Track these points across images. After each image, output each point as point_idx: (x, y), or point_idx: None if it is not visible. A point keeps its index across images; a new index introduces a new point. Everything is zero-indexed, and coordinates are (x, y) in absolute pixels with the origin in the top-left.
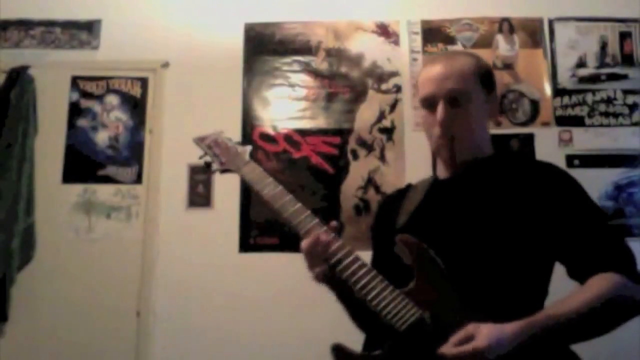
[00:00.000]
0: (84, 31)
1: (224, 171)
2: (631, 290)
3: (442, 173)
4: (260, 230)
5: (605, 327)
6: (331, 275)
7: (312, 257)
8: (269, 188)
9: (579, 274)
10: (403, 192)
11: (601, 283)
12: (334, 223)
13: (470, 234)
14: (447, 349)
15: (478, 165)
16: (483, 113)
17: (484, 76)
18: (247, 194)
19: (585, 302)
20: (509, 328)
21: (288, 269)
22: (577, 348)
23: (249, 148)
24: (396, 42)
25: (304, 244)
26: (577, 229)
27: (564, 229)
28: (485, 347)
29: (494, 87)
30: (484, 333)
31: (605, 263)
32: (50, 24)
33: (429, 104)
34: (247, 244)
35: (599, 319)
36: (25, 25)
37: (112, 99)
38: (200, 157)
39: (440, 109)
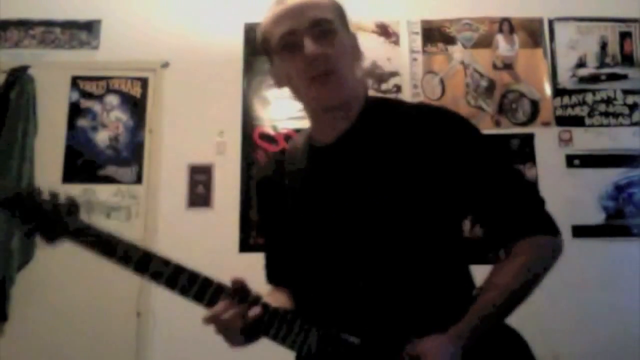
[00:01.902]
0: (84, 31)
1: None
2: (551, 248)
3: (323, 133)
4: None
5: (531, 292)
6: (248, 336)
7: (223, 332)
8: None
9: (500, 236)
10: (280, 165)
11: (524, 256)
12: (236, 280)
13: (373, 207)
14: None
15: (362, 121)
16: (351, 50)
17: (341, 12)
18: (247, 194)
19: (510, 281)
20: (449, 338)
21: None
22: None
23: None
24: (396, 42)
25: (208, 316)
26: (489, 184)
27: (476, 185)
28: None
29: (348, 26)
30: (431, 352)
31: (525, 227)
32: (50, 24)
33: (287, 45)
34: (247, 244)
35: (527, 291)
36: (25, 25)
37: (112, 99)
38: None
39: (307, 42)
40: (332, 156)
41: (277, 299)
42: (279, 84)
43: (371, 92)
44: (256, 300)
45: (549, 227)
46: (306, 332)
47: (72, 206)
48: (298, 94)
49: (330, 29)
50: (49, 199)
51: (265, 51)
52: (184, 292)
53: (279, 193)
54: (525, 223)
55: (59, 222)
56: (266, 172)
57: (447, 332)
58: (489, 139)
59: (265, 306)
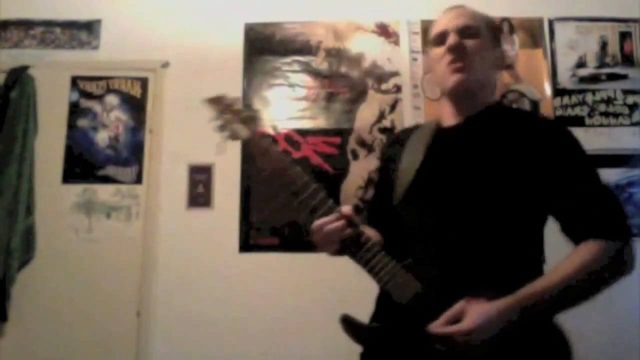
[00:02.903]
0: (84, 31)
1: (234, 138)
2: (617, 256)
3: (449, 118)
4: (260, 230)
5: (590, 295)
6: (340, 250)
7: (322, 238)
8: (282, 158)
9: (572, 233)
10: (409, 134)
11: (587, 253)
12: (346, 209)
13: (471, 188)
14: (435, 327)
15: (481, 115)
16: (490, 56)
17: (493, 28)
18: (247, 194)
19: (569, 275)
20: (497, 307)
21: (288, 269)
22: (577, 346)
23: (257, 114)
24: (396, 42)
25: (317, 224)
26: (573, 187)
27: (560, 186)
28: (472, 328)
29: (501, 44)
30: (472, 314)
31: (597, 227)
32: (50, 24)
33: (440, 40)
34: (247, 244)
35: (583, 290)
36: (25, 25)
37: (112, 99)
38: (211, 121)
39: (451, 37)
40: (450, 137)
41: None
42: (428, 70)
43: (371, 92)
44: (357, 225)
45: (618, 233)
46: (386, 262)
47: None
48: (437, 79)
49: (474, 33)
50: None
51: (429, 43)
52: (302, 204)
53: (397, 159)
54: (595, 225)
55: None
56: (398, 135)
57: (497, 302)
58: (583, 151)
59: (361, 233)
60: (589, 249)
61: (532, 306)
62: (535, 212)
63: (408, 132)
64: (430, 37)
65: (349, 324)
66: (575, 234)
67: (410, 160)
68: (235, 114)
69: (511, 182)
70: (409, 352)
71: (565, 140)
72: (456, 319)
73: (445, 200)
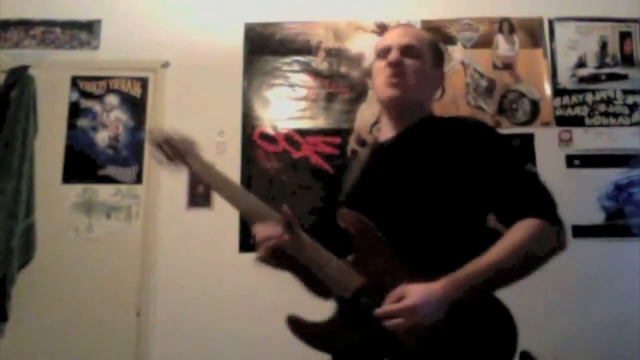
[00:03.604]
0: (84, 31)
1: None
2: (547, 232)
3: (386, 132)
4: None
5: (525, 271)
6: (277, 257)
7: (263, 246)
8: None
9: (506, 220)
10: (355, 159)
11: (519, 231)
12: (284, 208)
13: (409, 197)
14: (381, 309)
15: (415, 128)
16: (430, 76)
17: (435, 50)
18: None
19: (505, 252)
20: (437, 285)
21: None
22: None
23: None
24: None
25: (259, 232)
26: (502, 180)
27: (492, 183)
28: (415, 304)
29: (442, 65)
30: (413, 291)
31: (525, 208)
32: (50, 24)
33: (383, 54)
34: (247, 244)
35: (518, 265)
36: (25, 25)
37: (112, 99)
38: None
39: (393, 53)
40: (384, 151)
41: None
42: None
43: (371, 92)
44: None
45: (547, 213)
46: (329, 257)
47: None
48: (375, 90)
49: (416, 54)
50: None
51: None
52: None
53: (343, 182)
54: (525, 206)
55: None
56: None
57: (436, 281)
58: (510, 148)
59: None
60: (523, 226)
61: (472, 281)
62: (471, 211)
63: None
64: (376, 50)
65: (296, 324)
66: (510, 219)
67: (349, 179)
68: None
69: (444, 189)
70: (364, 343)
71: (490, 139)
72: (399, 299)
73: (382, 210)
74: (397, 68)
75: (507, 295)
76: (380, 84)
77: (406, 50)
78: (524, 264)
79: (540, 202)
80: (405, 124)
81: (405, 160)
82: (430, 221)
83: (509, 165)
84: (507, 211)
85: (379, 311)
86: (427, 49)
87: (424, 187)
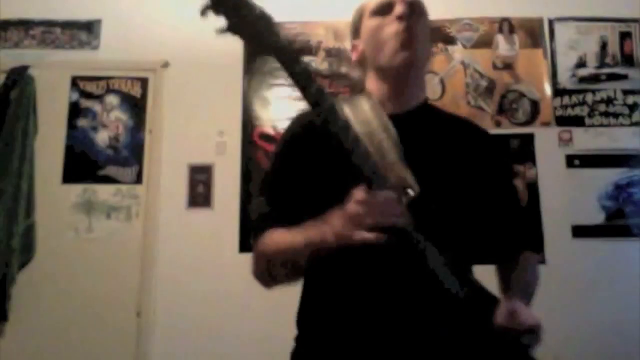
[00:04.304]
0: (84, 31)
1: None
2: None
3: (381, 103)
4: None
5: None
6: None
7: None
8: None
9: (503, 247)
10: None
11: (531, 268)
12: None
13: (428, 179)
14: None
15: (420, 111)
16: (429, 46)
17: (427, 14)
18: (247, 194)
19: (533, 281)
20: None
21: None
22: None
23: None
24: None
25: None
26: (508, 204)
27: (497, 202)
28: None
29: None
30: (525, 309)
31: (524, 242)
32: (50, 24)
33: (383, 10)
34: (247, 244)
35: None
36: (25, 25)
37: (112, 99)
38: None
39: (399, 5)
40: (403, 126)
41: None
42: (359, 55)
43: None
44: None
45: (537, 246)
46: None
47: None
48: (377, 54)
49: (420, 10)
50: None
51: (354, 28)
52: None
53: (319, 150)
54: (527, 240)
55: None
56: (304, 128)
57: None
58: (510, 166)
59: None
60: (531, 263)
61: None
62: (466, 222)
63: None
64: (369, 6)
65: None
66: (507, 248)
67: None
68: None
69: (453, 190)
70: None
71: (502, 157)
72: (513, 316)
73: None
74: (409, 23)
75: None
76: (387, 44)
77: (412, 6)
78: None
79: (533, 236)
80: (406, 98)
81: (415, 146)
82: (457, 210)
83: (511, 192)
84: (511, 240)
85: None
86: (425, 8)
87: (434, 182)
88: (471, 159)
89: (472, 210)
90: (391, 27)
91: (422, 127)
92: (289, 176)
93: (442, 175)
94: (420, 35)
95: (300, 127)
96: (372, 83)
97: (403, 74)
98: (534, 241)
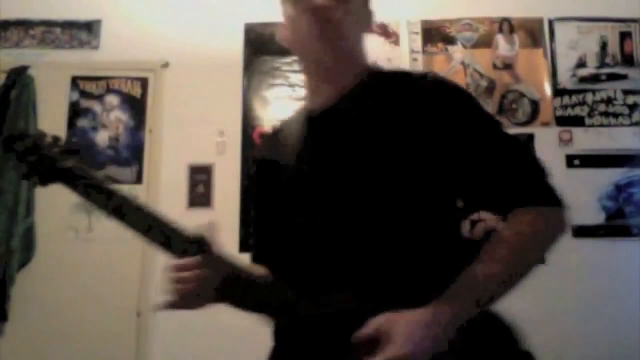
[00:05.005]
0: (84, 31)
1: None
2: (552, 225)
3: (317, 97)
4: None
5: (531, 268)
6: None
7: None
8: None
9: (496, 207)
10: (274, 141)
11: (517, 231)
12: (209, 224)
13: (361, 182)
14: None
15: (356, 90)
16: (360, 18)
17: None
18: (247, 193)
19: (504, 263)
20: (430, 316)
21: None
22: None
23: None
24: (396, 42)
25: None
26: (485, 153)
27: (470, 155)
28: (408, 353)
29: (369, 3)
30: (401, 333)
31: (521, 195)
32: (50, 24)
33: None
34: (247, 244)
35: (521, 270)
36: (25, 25)
37: (112, 99)
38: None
39: None
40: (323, 124)
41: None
42: (283, 41)
43: None
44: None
45: (550, 197)
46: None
47: (71, 150)
48: (295, 45)
49: None
50: (51, 140)
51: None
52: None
53: (274, 171)
54: (523, 191)
55: (51, 160)
56: (262, 152)
57: (428, 308)
58: (482, 107)
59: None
60: (523, 226)
61: (472, 296)
62: (443, 195)
63: (271, 142)
64: None
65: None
66: (500, 207)
67: (292, 171)
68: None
69: (409, 165)
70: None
71: (461, 99)
72: (383, 339)
73: (331, 201)
74: (326, 13)
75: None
76: (304, 37)
77: None
78: (530, 262)
79: (539, 184)
80: (341, 84)
81: (354, 133)
82: (393, 209)
83: (489, 132)
84: (500, 196)
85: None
86: None
87: (379, 166)
88: (427, 117)
89: (436, 177)
90: (308, 19)
91: (360, 103)
92: (258, 207)
93: (388, 150)
94: (343, 20)
95: (261, 149)
96: (304, 74)
97: (325, 66)
98: (535, 190)
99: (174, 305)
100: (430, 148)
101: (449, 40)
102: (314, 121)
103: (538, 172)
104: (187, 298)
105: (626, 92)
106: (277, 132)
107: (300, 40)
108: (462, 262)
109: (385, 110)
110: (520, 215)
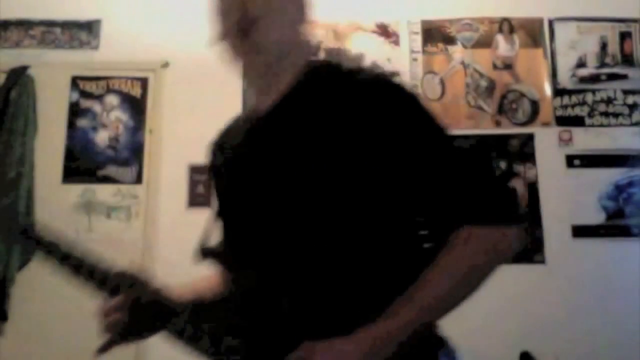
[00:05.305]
0: (84, 31)
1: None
2: (492, 242)
3: (260, 99)
4: None
5: (468, 292)
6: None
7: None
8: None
9: (440, 224)
10: (219, 147)
11: (457, 252)
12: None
13: (286, 198)
14: None
15: (294, 94)
16: (290, 10)
17: None
18: None
19: (442, 288)
20: (353, 346)
21: None
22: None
23: None
24: (396, 42)
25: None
26: (426, 164)
27: (410, 168)
28: None
29: None
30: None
31: (469, 211)
32: (50, 24)
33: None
34: None
35: (460, 293)
36: (25, 25)
37: (112, 99)
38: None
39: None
40: (259, 128)
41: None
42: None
43: None
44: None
45: (496, 214)
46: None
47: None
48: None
49: None
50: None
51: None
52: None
53: (218, 176)
54: (463, 209)
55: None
56: (209, 157)
57: (351, 337)
58: (425, 113)
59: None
60: (459, 246)
61: (399, 325)
62: (377, 207)
63: (216, 147)
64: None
65: None
66: (440, 225)
67: (227, 177)
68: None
69: (333, 175)
70: None
71: (398, 104)
72: None
73: (255, 214)
74: (243, 26)
75: (506, 295)
76: (230, 57)
77: None
78: (467, 287)
79: (485, 200)
80: (277, 86)
81: (284, 141)
82: (310, 220)
83: (427, 140)
84: (435, 215)
85: None
86: None
87: (298, 174)
88: (347, 120)
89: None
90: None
91: (298, 107)
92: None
93: (329, 160)
94: (265, 16)
95: (210, 148)
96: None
97: (255, 76)
98: (478, 207)
99: (112, 342)
100: (359, 157)
101: (449, 40)
102: (252, 125)
103: (483, 185)
104: (122, 334)
105: (626, 92)
106: (221, 135)
107: (230, 58)
108: (397, 276)
109: (318, 114)
110: (459, 239)
